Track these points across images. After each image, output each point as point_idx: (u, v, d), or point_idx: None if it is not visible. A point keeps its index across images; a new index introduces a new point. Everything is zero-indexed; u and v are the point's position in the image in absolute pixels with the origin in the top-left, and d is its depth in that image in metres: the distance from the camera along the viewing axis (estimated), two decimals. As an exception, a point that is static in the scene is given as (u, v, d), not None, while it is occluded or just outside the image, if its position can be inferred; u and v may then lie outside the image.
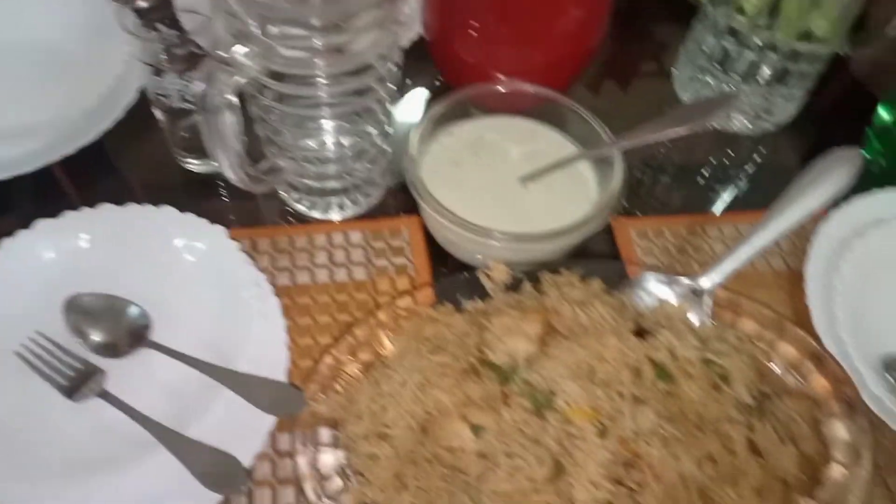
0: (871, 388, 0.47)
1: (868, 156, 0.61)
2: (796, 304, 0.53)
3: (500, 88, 0.57)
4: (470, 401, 0.41)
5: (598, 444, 0.39)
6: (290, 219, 0.57)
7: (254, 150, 0.51)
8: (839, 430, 0.45)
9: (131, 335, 0.48)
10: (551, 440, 0.39)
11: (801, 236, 0.55)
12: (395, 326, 0.48)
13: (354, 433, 0.43)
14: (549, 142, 0.57)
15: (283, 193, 0.57)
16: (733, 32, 0.59)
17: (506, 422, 0.39)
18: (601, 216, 0.50)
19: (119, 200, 0.52)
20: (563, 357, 0.42)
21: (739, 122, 0.64)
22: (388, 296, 0.53)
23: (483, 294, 0.49)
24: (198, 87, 0.42)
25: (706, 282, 0.49)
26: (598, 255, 0.56)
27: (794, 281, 0.53)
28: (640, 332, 0.45)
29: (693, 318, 0.48)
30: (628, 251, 0.56)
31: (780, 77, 0.60)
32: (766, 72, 0.60)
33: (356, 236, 0.56)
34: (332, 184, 0.55)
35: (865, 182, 0.52)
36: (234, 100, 0.43)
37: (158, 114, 0.56)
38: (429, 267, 0.55)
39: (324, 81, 0.45)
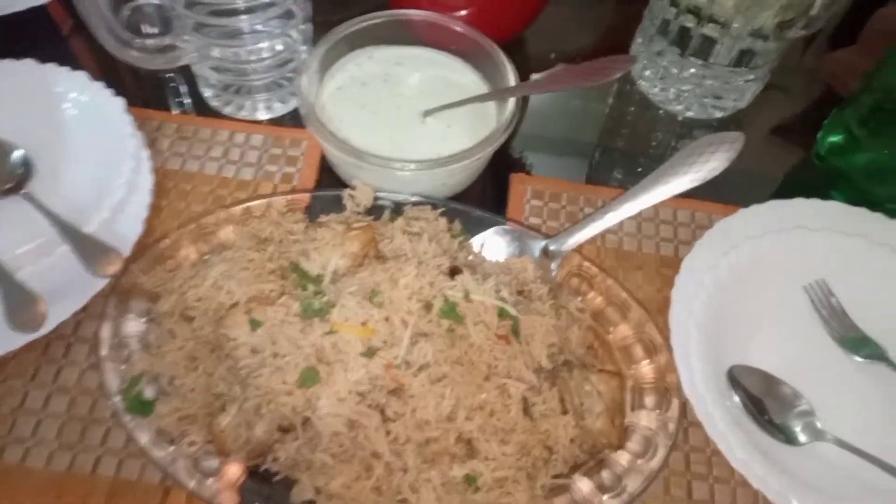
0: (700, 388, 0.44)
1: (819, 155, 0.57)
2: (667, 293, 0.50)
3: (419, 17, 0.56)
4: (261, 297, 0.42)
5: (360, 363, 0.39)
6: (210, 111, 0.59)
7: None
8: (643, 420, 0.43)
9: (9, 180, 0.50)
10: (310, 347, 0.39)
11: (705, 227, 0.52)
12: (241, 222, 0.49)
13: (162, 309, 0.44)
14: (463, 79, 0.56)
15: (201, 88, 0.59)
16: (693, 9, 0.55)
17: (273, 321, 0.40)
18: (474, 154, 0.49)
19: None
20: (363, 276, 0.42)
21: (695, 108, 0.61)
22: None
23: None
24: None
25: (555, 244, 0.48)
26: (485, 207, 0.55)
27: (675, 270, 0.51)
28: (454, 272, 0.44)
29: (534, 274, 0.47)
30: (516, 207, 0.55)
31: (742, 60, 0.56)
32: (725, 53, 0.56)
33: (257, 139, 0.57)
34: (255, 84, 0.56)
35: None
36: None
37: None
38: (315, 180, 0.55)
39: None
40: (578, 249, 0.49)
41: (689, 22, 0.55)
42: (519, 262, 0.47)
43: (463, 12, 0.58)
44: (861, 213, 0.52)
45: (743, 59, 0.56)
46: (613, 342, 0.47)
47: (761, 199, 0.52)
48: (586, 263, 0.49)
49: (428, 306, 0.41)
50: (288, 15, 0.55)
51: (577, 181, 0.57)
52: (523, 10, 0.61)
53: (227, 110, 0.59)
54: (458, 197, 0.54)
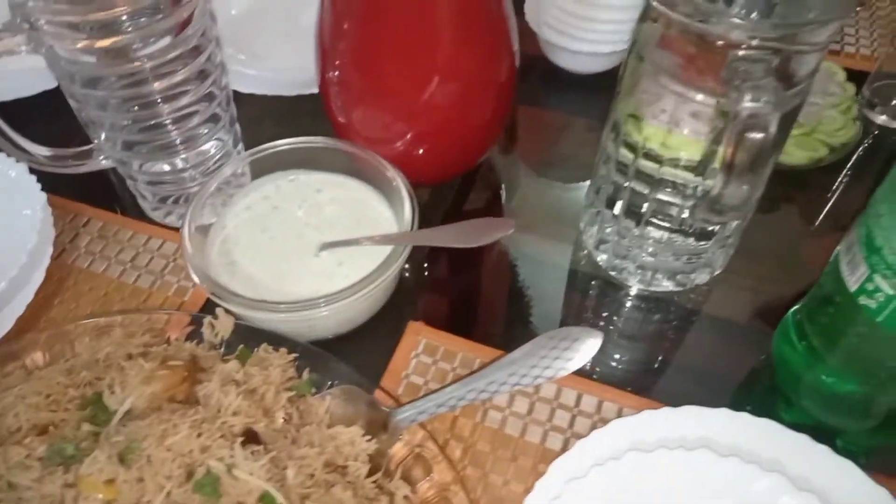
0: None
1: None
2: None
3: (349, 149, 0.53)
4: (42, 427, 0.39)
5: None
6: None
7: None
8: None
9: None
10: (40, 499, 0.35)
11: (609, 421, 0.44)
12: (97, 336, 0.47)
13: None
14: (379, 217, 0.52)
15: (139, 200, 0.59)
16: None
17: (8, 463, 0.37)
18: (341, 299, 0.45)
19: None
20: (146, 426, 0.38)
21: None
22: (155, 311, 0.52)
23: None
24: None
25: (398, 415, 0.42)
26: (371, 354, 0.50)
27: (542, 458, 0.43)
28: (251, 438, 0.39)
29: (359, 449, 0.41)
30: (401, 360, 0.49)
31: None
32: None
33: (170, 247, 0.56)
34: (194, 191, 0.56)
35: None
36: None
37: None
38: (206, 298, 0.53)
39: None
40: (424, 425, 0.43)
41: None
42: (346, 433, 0.41)
43: (399, 149, 0.55)
44: (801, 441, 0.42)
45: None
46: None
47: (709, 399, 0.44)
48: (430, 444, 0.42)
49: (191, 474, 0.36)
50: (214, 119, 0.54)
51: (486, 343, 0.51)
52: (464, 154, 0.57)
53: (169, 220, 0.58)
54: (345, 337, 0.50)
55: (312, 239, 0.51)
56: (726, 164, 0.36)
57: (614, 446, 0.42)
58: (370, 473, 0.41)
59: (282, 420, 0.41)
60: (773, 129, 0.34)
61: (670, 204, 0.45)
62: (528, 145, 0.66)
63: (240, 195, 0.54)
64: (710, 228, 0.46)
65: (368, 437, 0.42)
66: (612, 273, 0.53)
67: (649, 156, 0.44)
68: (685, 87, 0.39)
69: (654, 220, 0.47)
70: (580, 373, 0.46)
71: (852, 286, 0.37)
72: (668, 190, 0.45)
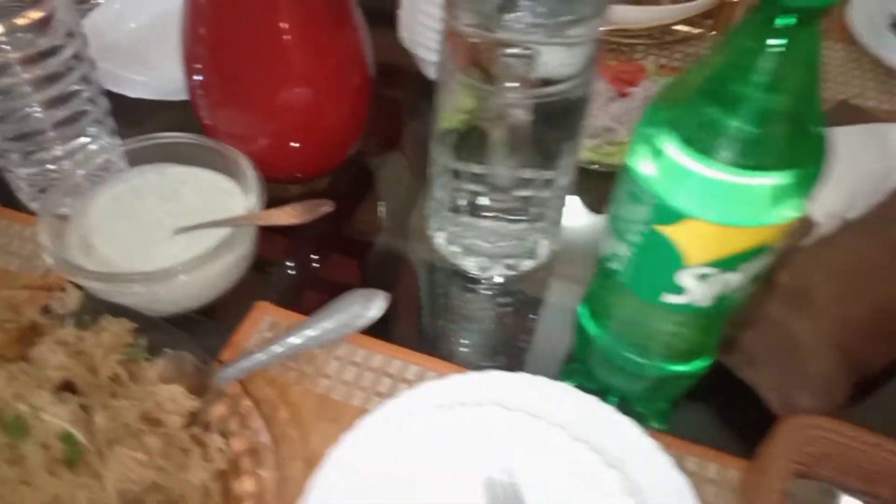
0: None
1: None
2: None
3: (215, 146, 0.58)
4: None
5: None
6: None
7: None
8: None
9: None
10: None
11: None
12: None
13: None
14: (239, 208, 0.57)
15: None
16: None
17: None
18: (174, 275, 0.49)
19: None
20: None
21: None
22: (21, 288, 0.55)
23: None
24: None
25: (219, 374, 0.46)
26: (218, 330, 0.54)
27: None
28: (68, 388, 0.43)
29: (179, 405, 0.45)
30: (244, 335, 0.53)
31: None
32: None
33: (45, 234, 0.60)
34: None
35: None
36: None
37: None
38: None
39: None
40: (246, 389, 0.47)
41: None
42: (167, 390, 0.45)
43: (260, 147, 0.59)
44: (588, 401, 0.46)
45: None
46: (237, 496, 0.43)
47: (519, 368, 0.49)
48: (246, 401, 0.46)
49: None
50: (84, 113, 0.59)
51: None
52: (324, 152, 0.62)
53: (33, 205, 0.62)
54: (195, 314, 0.54)
55: (169, 225, 0.55)
56: (491, 146, 0.41)
57: (417, 404, 0.46)
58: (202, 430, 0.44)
59: (107, 378, 0.45)
60: (525, 116, 0.39)
61: (475, 193, 0.50)
62: (395, 145, 0.71)
63: (108, 185, 0.58)
64: (519, 215, 0.51)
65: (193, 395, 0.45)
66: (450, 258, 0.57)
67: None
68: (469, 78, 0.44)
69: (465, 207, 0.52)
70: (407, 344, 0.51)
71: (604, 252, 0.41)
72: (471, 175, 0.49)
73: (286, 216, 0.50)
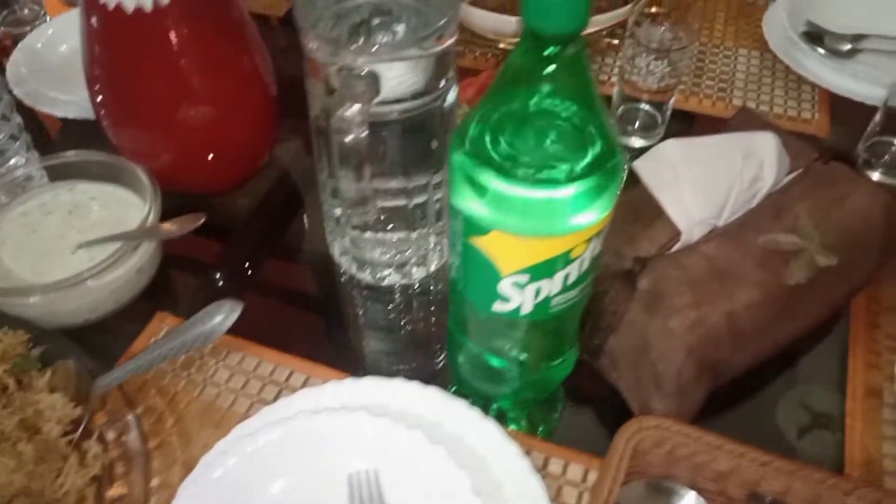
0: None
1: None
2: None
3: (123, 164, 0.60)
4: None
5: None
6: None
7: None
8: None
9: None
10: None
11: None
12: None
13: None
14: (133, 217, 0.59)
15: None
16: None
17: None
18: (58, 289, 0.51)
19: None
20: None
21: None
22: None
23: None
24: None
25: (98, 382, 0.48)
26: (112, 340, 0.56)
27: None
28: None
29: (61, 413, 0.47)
30: (138, 345, 0.55)
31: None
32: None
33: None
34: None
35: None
36: None
37: None
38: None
39: None
40: (127, 398, 0.49)
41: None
42: (48, 399, 0.47)
43: (164, 164, 0.61)
44: (456, 405, 0.48)
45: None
46: (109, 500, 0.45)
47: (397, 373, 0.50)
48: (126, 409, 0.48)
49: None
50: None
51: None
52: (231, 169, 0.64)
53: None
54: (96, 324, 0.56)
55: (73, 240, 0.57)
56: (333, 161, 0.43)
57: (290, 410, 0.48)
58: (81, 437, 0.47)
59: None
60: (358, 133, 0.41)
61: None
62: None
63: (19, 201, 0.60)
64: (397, 225, 0.53)
65: (74, 405, 0.48)
66: (345, 267, 0.59)
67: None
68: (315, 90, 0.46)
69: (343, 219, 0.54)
70: (300, 352, 0.54)
71: (450, 265, 0.43)
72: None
73: (165, 231, 0.53)
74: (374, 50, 0.43)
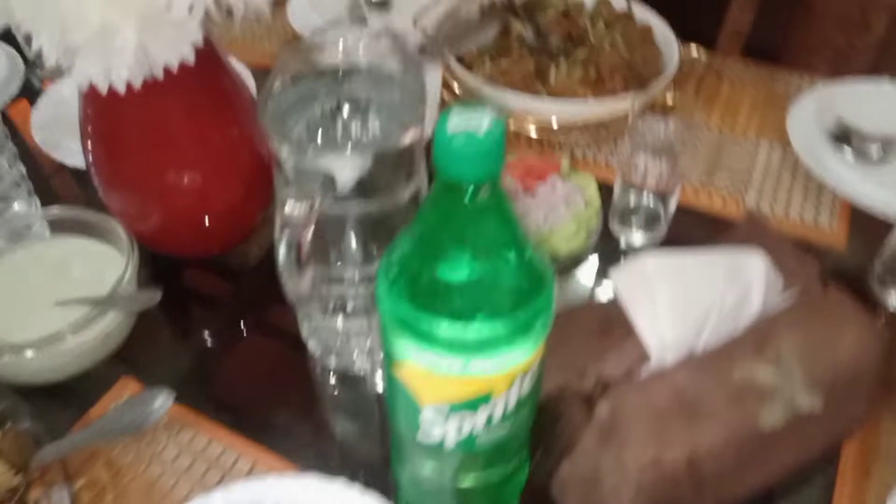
0: None
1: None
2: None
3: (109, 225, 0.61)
4: None
5: None
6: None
7: None
8: None
9: None
10: None
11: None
12: None
13: None
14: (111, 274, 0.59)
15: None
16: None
17: None
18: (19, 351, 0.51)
19: None
20: None
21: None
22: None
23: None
24: None
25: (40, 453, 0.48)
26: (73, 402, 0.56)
27: None
28: None
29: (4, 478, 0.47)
30: (97, 410, 0.55)
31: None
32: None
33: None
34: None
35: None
36: None
37: None
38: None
39: None
40: (67, 469, 0.48)
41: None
42: (-12, 468, 0.47)
43: (154, 227, 0.62)
44: None
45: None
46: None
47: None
48: (62, 483, 0.47)
49: None
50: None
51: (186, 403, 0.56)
52: (222, 235, 0.64)
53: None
54: (60, 385, 0.56)
55: (53, 297, 0.58)
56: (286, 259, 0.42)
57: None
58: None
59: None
60: (299, 232, 0.39)
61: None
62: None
63: (7, 254, 0.61)
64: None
65: (15, 472, 0.47)
66: (311, 348, 0.58)
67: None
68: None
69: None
70: (253, 432, 0.53)
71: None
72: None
73: (122, 302, 0.52)
74: (327, 147, 0.42)
